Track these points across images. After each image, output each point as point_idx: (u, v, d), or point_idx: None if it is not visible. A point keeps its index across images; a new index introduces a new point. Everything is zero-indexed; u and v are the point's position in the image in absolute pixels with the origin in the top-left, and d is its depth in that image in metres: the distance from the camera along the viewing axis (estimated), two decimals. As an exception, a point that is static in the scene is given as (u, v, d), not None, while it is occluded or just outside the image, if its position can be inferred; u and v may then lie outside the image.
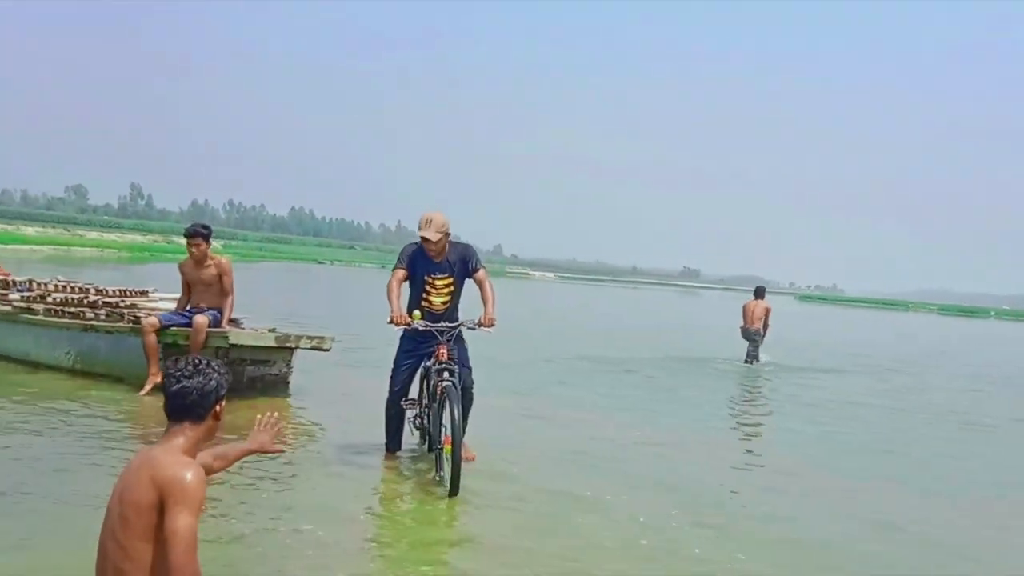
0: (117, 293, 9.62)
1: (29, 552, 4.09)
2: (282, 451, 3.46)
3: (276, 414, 3.32)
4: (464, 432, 6.06)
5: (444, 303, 6.21)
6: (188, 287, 8.21)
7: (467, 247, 6.39)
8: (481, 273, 6.26)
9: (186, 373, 2.76)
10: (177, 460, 2.63)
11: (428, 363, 6.15)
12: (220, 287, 8.13)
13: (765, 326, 15.24)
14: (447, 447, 5.55)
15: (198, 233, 8.05)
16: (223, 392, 2.82)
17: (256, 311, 13.99)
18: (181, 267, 8.26)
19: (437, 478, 5.77)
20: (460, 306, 6.39)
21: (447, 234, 6.08)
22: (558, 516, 5.35)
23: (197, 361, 2.82)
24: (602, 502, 5.70)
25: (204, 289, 8.12)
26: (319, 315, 18.68)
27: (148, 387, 7.75)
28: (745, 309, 15.37)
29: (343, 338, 10.85)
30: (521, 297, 44.91)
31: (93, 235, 77.59)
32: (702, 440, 8.43)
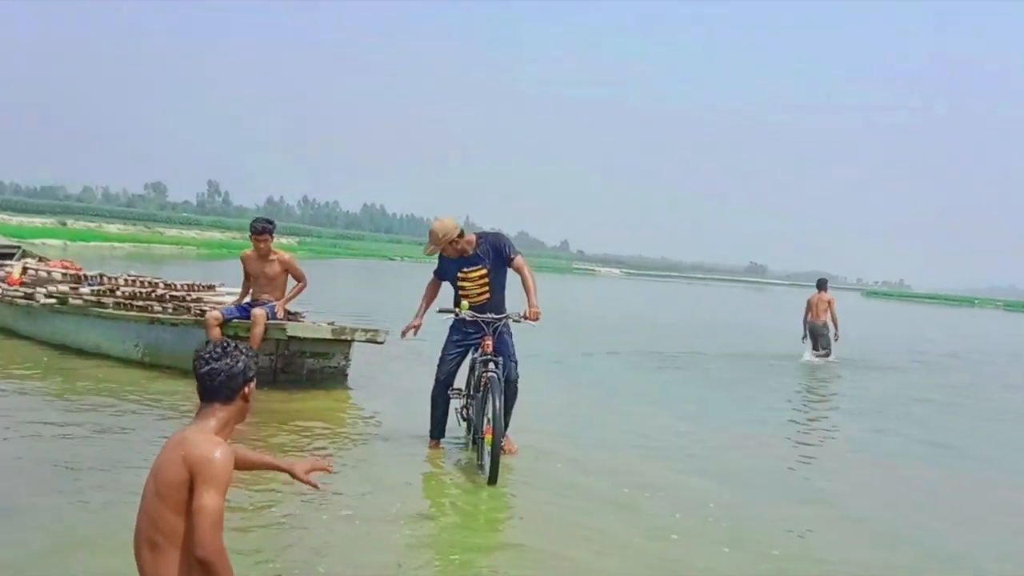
0: (185, 287, 9.99)
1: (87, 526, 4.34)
2: (315, 486, 3.33)
3: (329, 460, 3.40)
4: (507, 425, 6.21)
5: (481, 294, 6.32)
6: (248, 280, 8.47)
7: (497, 235, 6.52)
8: (518, 260, 6.36)
9: (214, 355, 2.87)
10: (207, 440, 2.75)
11: (475, 354, 6.29)
12: (283, 281, 8.43)
13: (832, 318, 15.09)
14: (488, 437, 5.66)
15: (266, 230, 8.29)
16: (251, 374, 2.92)
17: (322, 306, 14.29)
18: (245, 259, 8.49)
19: (479, 467, 5.87)
20: (507, 297, 6.49)
21: (453, 241, 6.24)
22: (595, 509, 5.36)
23: (225, 344, 2.92)
24: (640, 498, 5.67)
25: (267, 283, 8.38)
26: (384, 309, 18.98)
27: None
28: (809, 303, 15.31)
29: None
30: (584, 293, 44.92)
31: (172, 232, 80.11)
32: (753, 434, 8.33)
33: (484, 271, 6.33)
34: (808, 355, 14.97)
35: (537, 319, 6.15)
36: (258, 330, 8.00)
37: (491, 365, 5.98)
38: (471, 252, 6.33)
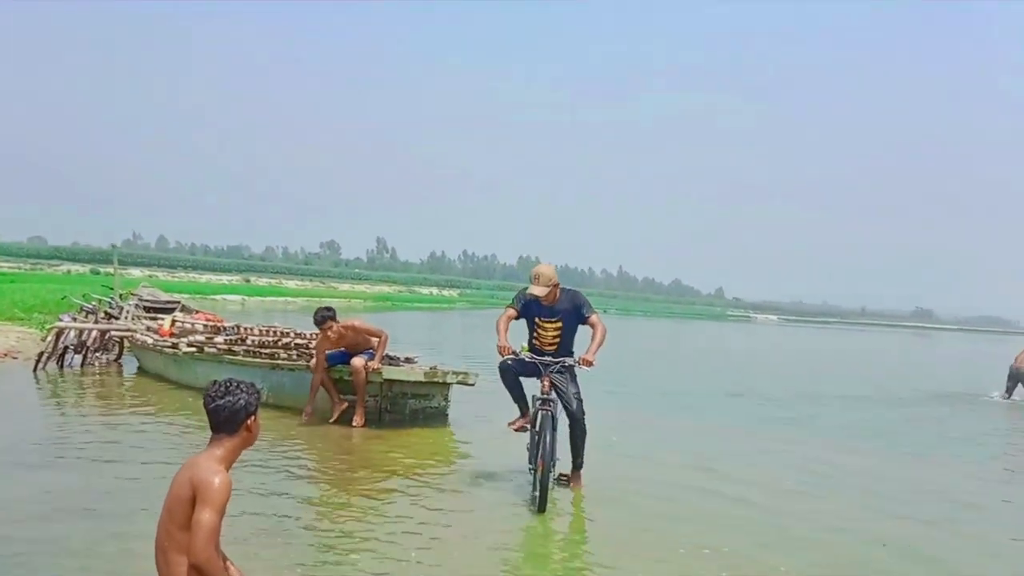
0: (309, 336, 11.01)
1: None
2: None
3: None
4: (581, 463, 6.78)
5: (552, 344, 6.79)
6: (322, 357, 9.03)
7: (577, 294, 6.88)
8: (593, 318, 6.74)
9: (219, 394, 3.31)
10: (211, 466, 3.22)
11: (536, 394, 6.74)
12: (365, 338, 9.18)
13: None
14: (540, 469, 6.11)
15: (324, 320, 8.87)
16: (252, 409, 3.34)
17: (443, 352, 14.99)
18: (324, 347, 9.00)
19: (532, 498, 6.24)
20: (575, 343, 6.88)
21: (556, 284, 6.68)
22: (623, 542, 5.62)
23: (229, 383, 3.35)
24: (702, 543, 5.67)
25: (354, 346, 9.19)
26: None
27: (335, 414, 8.93)
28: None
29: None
30: (731, 339, 43.97)
31: (345, 287, 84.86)
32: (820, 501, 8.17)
33: (559, 324, 6.77)
34: (997, 395, 16.01)
35: (589, 367, 6.55)
36: (360, 377, 8.87)
37: (550, 404, 6.43)
38: (553, 304, 6.74)
